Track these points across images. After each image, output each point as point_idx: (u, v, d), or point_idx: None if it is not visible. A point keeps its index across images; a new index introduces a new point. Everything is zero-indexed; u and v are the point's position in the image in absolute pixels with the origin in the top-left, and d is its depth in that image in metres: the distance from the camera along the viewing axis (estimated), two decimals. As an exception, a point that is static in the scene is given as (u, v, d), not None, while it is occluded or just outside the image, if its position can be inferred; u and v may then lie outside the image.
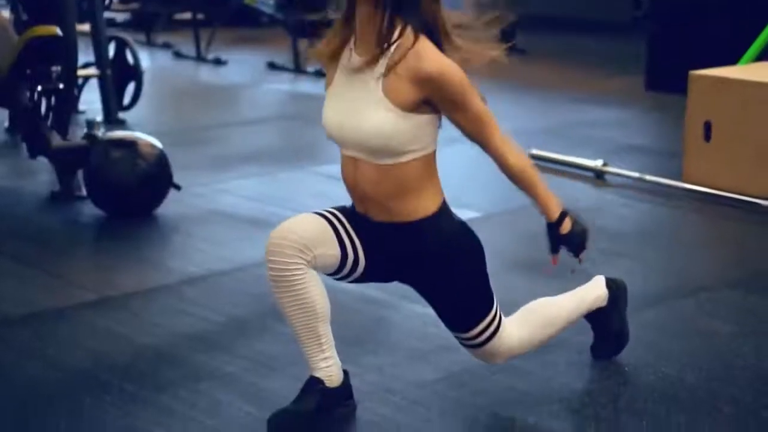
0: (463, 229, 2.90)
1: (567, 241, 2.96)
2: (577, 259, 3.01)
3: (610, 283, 3.34)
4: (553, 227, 2.94)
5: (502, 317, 3.03)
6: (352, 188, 2.87)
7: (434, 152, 2.84)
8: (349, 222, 2.88)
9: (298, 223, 2.80)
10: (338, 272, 2.89)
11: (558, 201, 2.96)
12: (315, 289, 2.81)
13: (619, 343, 3.34)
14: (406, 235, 2.83)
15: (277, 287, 2.80)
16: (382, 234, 2.85)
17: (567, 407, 3.06)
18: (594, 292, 3.28)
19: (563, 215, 2.95)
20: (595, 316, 3.30)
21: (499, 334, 3.00)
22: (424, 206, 2.82)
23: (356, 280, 2.95)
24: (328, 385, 2.90)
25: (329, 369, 2.90)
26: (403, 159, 2.76)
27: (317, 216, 2.85)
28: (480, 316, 2.96)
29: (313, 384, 2.89)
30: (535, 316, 3.14)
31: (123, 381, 3.19)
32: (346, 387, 2.96)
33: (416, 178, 2.79)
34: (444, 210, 2.87)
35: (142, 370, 3.27)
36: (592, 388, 3.18)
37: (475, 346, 3.01)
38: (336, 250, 2.83)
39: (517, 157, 2.90)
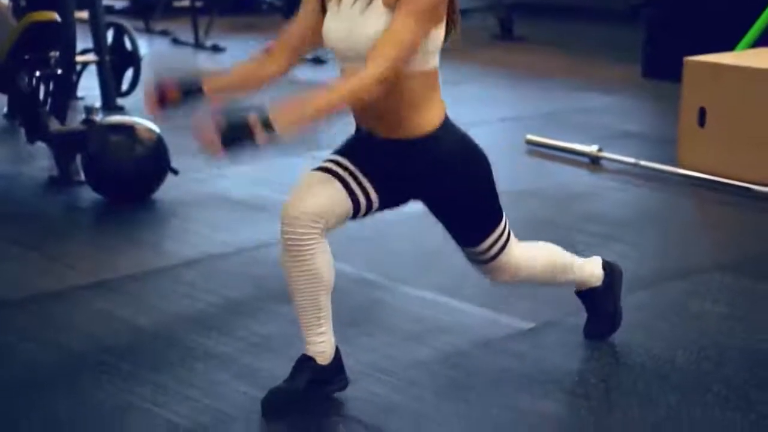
0: (468, 141, 2.93)
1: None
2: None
3: (606, 266, 3.38)
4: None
5: (511, 232, 3.07)
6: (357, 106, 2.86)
7: (437, 70, 2.84)
8: (355, 161, 2.90)
9: (309, 192, 2.84)
10: (354, 218, 2.94)
11: (296, 120, 2.69)
12: (323, 259, 2.86)
13: (612, 324, 3.38)
14: (414, 149, 2.85)
15: (288, 255, 2.85)
16: (389, 154, 2.87)
17: (559, 387, 3.10)
18: (590, 268, 3.33)
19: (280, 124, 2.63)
20: (588, 296, 3.34)
21: (508, 248, 3.04)
22: (428, 120, 2.84)
23: (374, 213, 2.99)
24: (319, 362, 2.94)
25: (323, 345, 2.94)
26: (406, 70, 2.75)
27: (324, 174, 2.88)
28: (490, 228, 2.99)
29: (304, 362, 2.94)
30: (542, 251, 3.21)
31: (120, 361, 3.23)
32: (337, 363, 2.99)
33: (420, 92, 2.80)
34: (448, 123, 2.88)
35: (139, 351, 3.31)
36: (584, 369, 3.22)
37: (485, 261, 3.05)
38: (348, 205, 2.88)
39: (349, 82, 2.73)
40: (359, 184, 2.90)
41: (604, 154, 5.48)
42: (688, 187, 5.13)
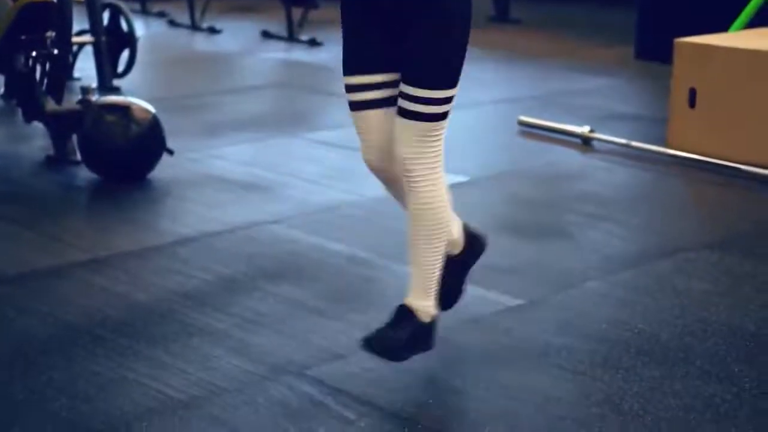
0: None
1: None
2: None
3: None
4: None
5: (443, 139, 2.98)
6: None
7: None
8: (366, 63, 2.94)
9: (369, 139, 2.98)
10: None
11: None
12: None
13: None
14: None
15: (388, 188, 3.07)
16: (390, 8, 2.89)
17: (545, 361, 3.17)
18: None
19: None
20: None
21: (443, 127, 2.92)
22: None
23: None
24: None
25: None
26: None
27: (360, 113, 2.97)
28: (445, 79, 2.88)
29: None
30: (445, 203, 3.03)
31: (116, 335, 3.30)
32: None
33: None
34: None
35: (134, 326, 3.38)
36: (570, 344, 3.28)
37: (415, 114, 2.87)
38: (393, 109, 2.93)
39: None
40: (384, 84, 2.94)
41: (596, 134, 5.53)
42: (678, 167, 5.19)
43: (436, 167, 2.92)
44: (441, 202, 2.96)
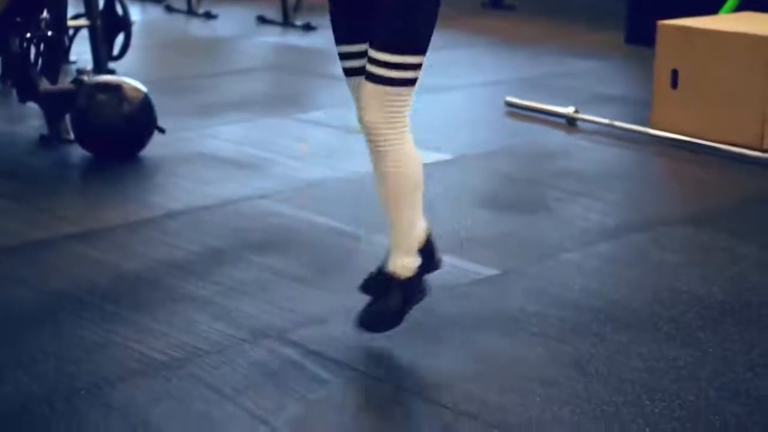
0: None
1: None
2: None
3: (426, 257, 3.23)
4: None
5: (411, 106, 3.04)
6: None
7: None
8: (355, 31, 3.06)
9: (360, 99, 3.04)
10: None
11: None
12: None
13: (388, 321, 3.19)
14: None
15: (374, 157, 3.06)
16: None
17: (517, 327, 3.28)
18: (418, 234, 3.19)
19: None
20: (392, 283, 3.18)
21: (408, 93, 2.99)
22: None
23: None
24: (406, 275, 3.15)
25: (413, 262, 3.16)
26: None
27: (354, 78, 3.09)
28: (411, 45, 2.95)
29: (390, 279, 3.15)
30: (418, 167, 3.10)
31: (103, 302, 3.41)
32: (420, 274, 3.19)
33: None
34: None
35: (121, 293, 3.49)
36: (543, 311, 3.39)
37: (381, 79, 2.95)
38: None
39: None
40: (365, 54, 3.03)
41: (580, 115, 5.63)
42: (659, 147, 5.29)
43: (403, 130, 3.02)
44: (411, 162, 3.06)
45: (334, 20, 3.15)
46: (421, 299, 3.21)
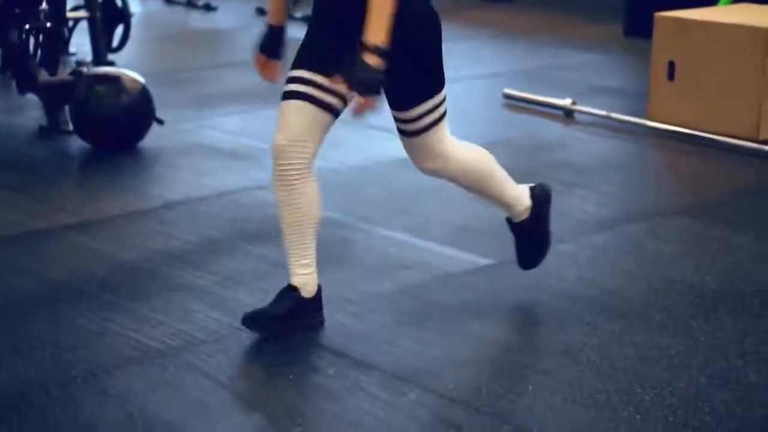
0: (431, 11, 3.08)
1: (352, 71, 2.92)
2: (355, 100, 2.95)
3: (535, 195, 3.46)
4: (357, 49, 2.92)
5: (446, 117, 3.20)
6: None
7: None
8: (316, 64, 3.04)
9: (288, 121, 3.06)
10: (338, 117, 3.11)
11: (383, 35, 2.90)
12: (312, 189, 3.11)
13: (541, 251, 3.48)
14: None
15: (281, 185, 3.09)
16: (352, 21, 2.98)
17: (511, 316, 3.31)
18: (518, 193, 3.41)
19: (375, 49, 2.90)
20: (517, 227, 3.44)
21: (441, 127, 3.19)
22: None
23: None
24: (303, 294, 3.14)
25: (306, 277, 3.14)
26: None
27: (294, 102, 3.05)
28: (429, 93, 3.13)
29: (289, 291, 3.14)
30: (476, 153, 3.32)
31: (101, 291, 3.43)
32: (317, 300, 3.19)
33: None
34: None
35: (119, 282, 3.52)
36: (537, 301, 3.41)
37: (414, 131, 3.16)
38: (325, 116, 3.06)
39: None
40: (328, 91, 3.04)
41: (577, 107, 5.65)
42: (655, 138, 5.31)
43: (452, 141, 3.27)
44: (475, 154, 3.34)
45: (307, 43, 3.11)
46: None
